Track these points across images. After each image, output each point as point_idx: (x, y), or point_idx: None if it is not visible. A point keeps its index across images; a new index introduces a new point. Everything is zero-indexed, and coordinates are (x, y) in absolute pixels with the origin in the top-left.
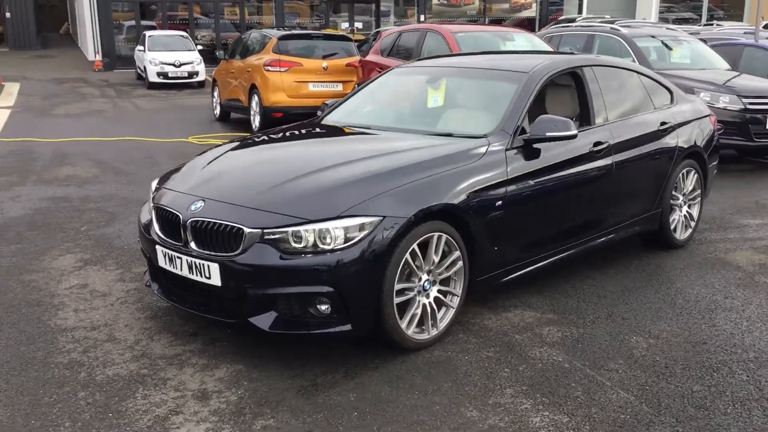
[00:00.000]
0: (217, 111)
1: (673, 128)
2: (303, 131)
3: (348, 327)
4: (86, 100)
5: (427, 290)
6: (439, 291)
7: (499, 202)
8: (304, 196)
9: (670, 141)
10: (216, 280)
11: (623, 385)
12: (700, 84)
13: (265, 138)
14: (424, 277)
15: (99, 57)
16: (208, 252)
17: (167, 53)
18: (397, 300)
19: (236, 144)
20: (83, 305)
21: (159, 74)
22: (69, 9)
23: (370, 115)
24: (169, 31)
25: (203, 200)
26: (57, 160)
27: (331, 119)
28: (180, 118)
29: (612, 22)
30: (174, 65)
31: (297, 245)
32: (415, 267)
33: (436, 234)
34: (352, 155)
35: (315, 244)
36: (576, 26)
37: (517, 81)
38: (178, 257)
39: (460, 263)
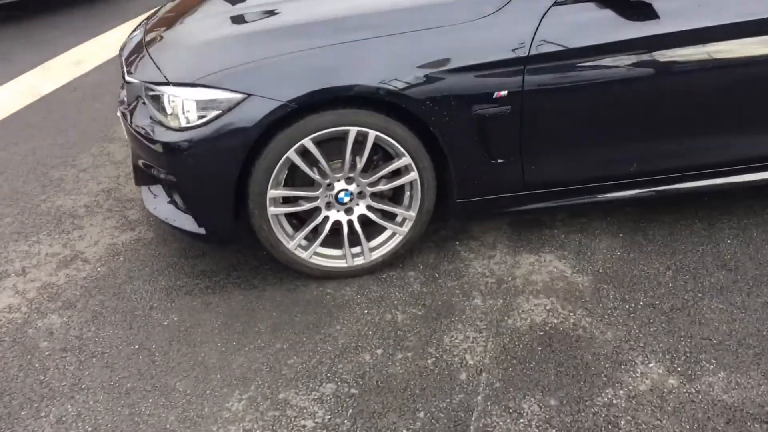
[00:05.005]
0: None
1: None
2: None
3: (202, 230)
4: None
5: (344, 203)
6: (371, 208)
7: (503, 93)
8: (192, 50)
9: None
10: (125, 135)
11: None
12: None
13: None
14: (339, 185)
15: None
16: (127, 101)
17: None
18: (280, 210)
19: None
20: None
21: None
22: None
23: None
24: None
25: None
26: None
27: None
28: None
29: None
30: None
31: (168, 111)
32: (312, 170)
33: (355, 129)
34: None
35: (177, 115)
36: None
37: None
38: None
39: (413, 175)
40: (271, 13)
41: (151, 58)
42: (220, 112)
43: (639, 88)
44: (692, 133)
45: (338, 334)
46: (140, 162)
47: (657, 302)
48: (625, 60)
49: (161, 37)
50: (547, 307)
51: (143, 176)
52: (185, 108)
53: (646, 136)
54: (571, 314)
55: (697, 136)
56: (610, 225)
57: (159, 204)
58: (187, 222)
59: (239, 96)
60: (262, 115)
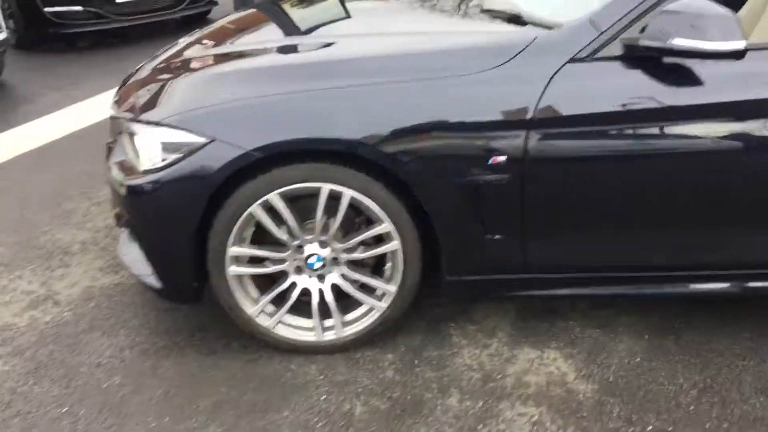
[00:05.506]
0: None
1: None
2: None
3: (160, 285)
4: None
5: (315, 269)
6: (347, 277)
7: (501, 159)
8: (187, 84)
9: None
10: None
11: None
12: None
13: None
14: (311, 248)
15: None
16: (111, 136)
17: None
18: (242, 270)
19: None
20: None
21: None
22: None
23: None
24: None
25: None
26: None
27: None
28: None
29: None
30: None
31: (139, 152)
32: (280, 229)
33: (327, 186)
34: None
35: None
36: None
37: None
38: None
39: (395, 243)
40: (327, 45)
41: (135, 90)
42: (182, 155)
43: (669, 165)
44: (739, 221)
45: (283, 422)
46: (115, 208)
47: (669, 429)
48: (650, 131)
49: (170, 67)
50: (534, 419)
51: (120, 220)
52: (150, 149)
53: (675, 222)
54: (560, 431)
55: (745, 224)
56: (637, 323)
57: (131, 250)
58: (148, 274)
59: (202, 140)
60: (224, 162)
